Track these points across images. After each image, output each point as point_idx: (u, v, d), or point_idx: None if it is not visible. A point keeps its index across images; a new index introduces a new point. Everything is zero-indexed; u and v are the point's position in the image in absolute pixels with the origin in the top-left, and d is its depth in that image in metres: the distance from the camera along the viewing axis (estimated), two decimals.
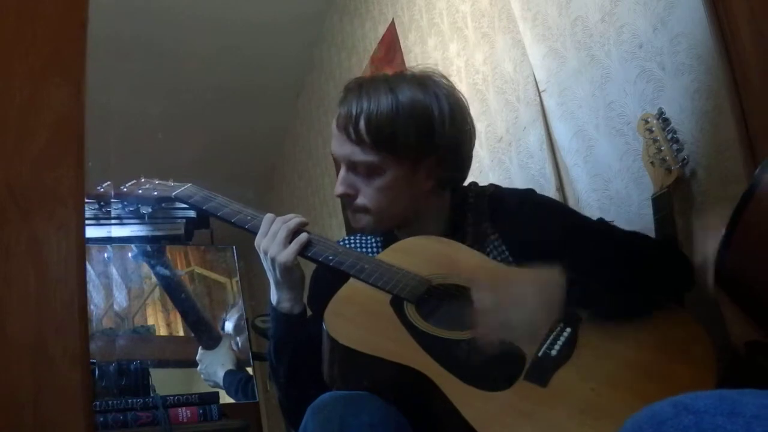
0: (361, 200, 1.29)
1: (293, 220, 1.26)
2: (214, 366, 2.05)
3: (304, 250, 1.25)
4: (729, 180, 1.31)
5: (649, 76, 1.49)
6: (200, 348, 2.08)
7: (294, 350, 1.26)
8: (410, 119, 1.24)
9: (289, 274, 1.24)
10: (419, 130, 1.25)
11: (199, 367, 2.05)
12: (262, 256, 1.26)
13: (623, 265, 1.17)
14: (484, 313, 1.10)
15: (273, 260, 1.23)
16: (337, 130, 1.29)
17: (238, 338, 2.14)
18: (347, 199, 1.31)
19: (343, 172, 1.30)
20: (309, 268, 1.40)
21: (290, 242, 1.24)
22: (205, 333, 2.11)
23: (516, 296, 1.12)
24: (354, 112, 1.25)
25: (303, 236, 1.25)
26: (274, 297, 1.28)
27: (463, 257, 1.26)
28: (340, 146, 1.28)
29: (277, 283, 1.26)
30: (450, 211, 1.36)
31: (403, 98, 1.25)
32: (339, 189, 1.30)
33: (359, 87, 1.28)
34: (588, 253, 1.21)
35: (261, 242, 1.26)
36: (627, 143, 1.57)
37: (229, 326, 2.16)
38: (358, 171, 1.28)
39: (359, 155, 1.26)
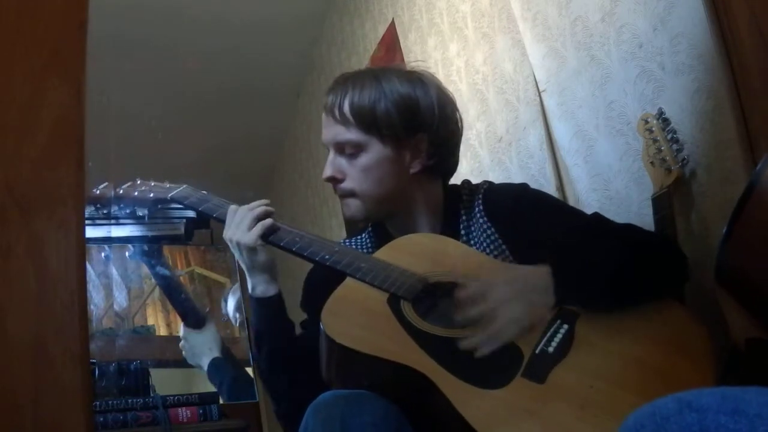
0: (347, 183, 1.32)
1: (259, 207, 1.30)
2: (200, 348, 2.03)
3: (300, 250, 1.27)
4: (729, 180, 1.31)
5: (649, 76, 1.49)
6: (183, 326, 2.06)
7: (272, 336, 1.29)
8: (393, 102, 1.29)
9: (255, 255, 1.28)
10: (401, 111, 1.29)
11: (181, 344, 2.03)
12: (230, 246, 1.30)
13: (617, 256, 1.18)
14: (467, 309, 1.12)
15: (238, 244, 1.28)
16: (324, 116, 1.34)
17: (237, 314, 2.13)
18: (334, 184, 1.34)
19: (330, 155, 1.34)
20: (304, 270, 1.41)
21: (254, 226, 1.28)
22: (192, 313, 2.09)
23: (500, 293, 1.13)
24: (339, 96, 1.31)
25: (267, 221, 1.29)
26: (249, 285, 1.31)
27: (460, 254, 1.27)
28: (327, 129, 1.33)
29: (247, 269, 1.30)
30: (444, 207, 1.37)
31: (387, 85, 1.31)
32: (327, 172, 1.34)
33: (346, 78, 1.34)
34: (583, 244, 1.22)
35: (226, 233, 1.30)
36: (627, 143, 1.57)
37: (231, 303, 2.15)
38: (344, 152, 1.32)
39: (344, 134, 1.31)
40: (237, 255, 1.31)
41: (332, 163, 1.33)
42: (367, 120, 1.29)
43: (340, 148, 1.32)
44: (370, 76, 1.33)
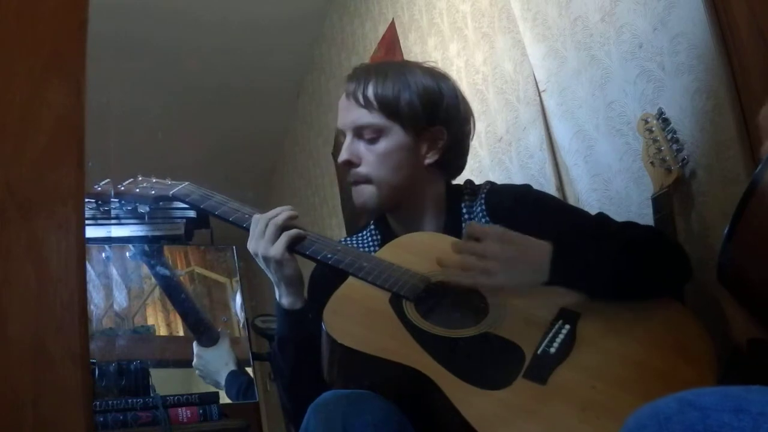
0: (363, 168, 1.33)
1: (280, 215, 1.26)
2: (215, 365, 2.04)
3: (301, 249, 1.26)
4: (729, 180, 1.31)
5: (649, 76, 1.49)
6: (197, 344, 2.06)
7: (297, 346, 1.26)
8: (417, 94, 1.31)
9: (283, 269, 1.25)
10: (424, 102, 1.31)
11: (195, 363, 2.03)
12: (255, 258, 1.27)
13: (617, 246, 1.18)
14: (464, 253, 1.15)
15: (265, 258, 1.24)
16: (345, 99, 1.34)
17: (242, 313, 2.13)
18: (350, 168, 1.34)
19: (348, 140, 1.34)
20: (307, 269, 1.40)
21: (279, 237, 1.25)
22: (205, 332, 2.09)
23: (498, 246, 1.14)
24: (363, 82, 1.32)
25: (293, 231, 1.26)
26: (276, 293, 1.29)
27: None
28: (348, 113, 1.34)
29: (275, 281, 1.27)
30: (446, 206, 1.37)
31: (411, 77, 1.32)
32: (343, 155, 1.33)
33: (368, 67, 1.37)
34: (584, 238, 1.22)
35: (251, 245, 1.27)
36: (627, 143, 1.57)
37: (238, 300, 2.15)
38: (363, 137, 1.32)
39: (366, 117, 1.31)
40: (263, 267, 1.27)
41: (349, 148, 1.33)
42: (390, 106, 1.30)
43: (360, 132, 1.32)
44: (394, 67, 1.36)
